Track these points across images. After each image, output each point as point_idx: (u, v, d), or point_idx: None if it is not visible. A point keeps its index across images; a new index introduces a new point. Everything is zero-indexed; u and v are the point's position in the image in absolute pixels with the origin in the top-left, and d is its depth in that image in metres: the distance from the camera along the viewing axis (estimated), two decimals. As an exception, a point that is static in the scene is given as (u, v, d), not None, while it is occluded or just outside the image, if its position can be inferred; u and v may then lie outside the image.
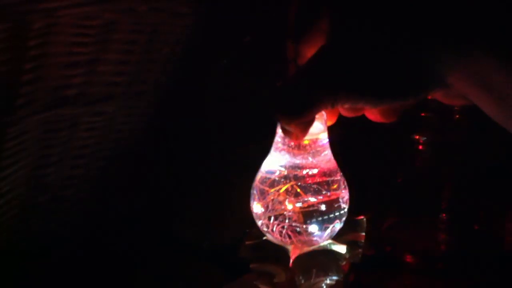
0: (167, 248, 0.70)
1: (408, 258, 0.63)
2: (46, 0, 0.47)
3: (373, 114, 0.38)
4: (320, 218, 0.39)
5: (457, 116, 0.59)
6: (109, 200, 0.72)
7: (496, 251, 0.62)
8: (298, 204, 0.39)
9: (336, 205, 0.40)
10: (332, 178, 0.40)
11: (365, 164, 0.67)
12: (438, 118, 0.61)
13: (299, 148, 0.39)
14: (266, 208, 0.39)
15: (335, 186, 0.40)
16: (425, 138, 0.62)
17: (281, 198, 0.39)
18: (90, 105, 0.59)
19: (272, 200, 0.39)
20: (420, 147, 0.63)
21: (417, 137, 0.62)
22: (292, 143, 0.40)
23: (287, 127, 0.37)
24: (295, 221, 0.39)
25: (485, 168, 0.64)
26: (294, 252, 0.40)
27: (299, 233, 0.39)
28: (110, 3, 0.51)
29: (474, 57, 0.30)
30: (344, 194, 0.41)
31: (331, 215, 0.39)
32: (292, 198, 0.39)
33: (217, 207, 0.72)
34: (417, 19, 0.32)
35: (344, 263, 0.41)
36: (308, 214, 0.39)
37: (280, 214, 0.39)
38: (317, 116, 0.37)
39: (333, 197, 0.40)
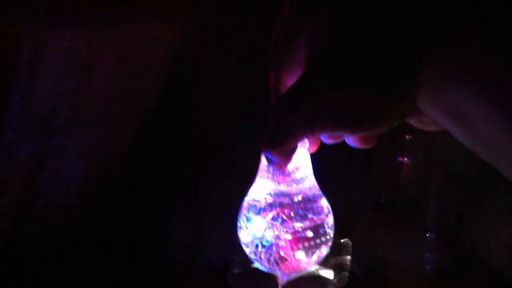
0: (157, 273, 0.70)
1: (396, 277, 0.64)
2: (33, 33, 0.47)
3: (352, 141, 0.39)
4: (306, 244, 0.39)
5: (441, 136, 0.60)
6: (99, 228, 0.72)
7: (483, 269, 0.63)
8: (285, 231, 0.39)
9: (321, 231, 0.40)
10: (316, 204, 0.41)
11: (350, 185, 0.67)
12: (423, 139, 0.62)
13: (283, 175, 0.40)
14: (253, 236, 0.40)
15: (320, 212, 0.41)
16: (409, 159, 0.63)
17: (267, 225, 0.39)
18: (78, 135, 0.59)
19: (259, 227, 0.40)
20: (405, 167, 0.64)
21: (401, 159, 0.63)
22: (276, 171, 0.40)
23: (269, 156, 0.37)
24: (282, 248, 0.39)
25: (470, 185, 0.65)
26: (282, 279, 0.40)
27: (287, 260, 0.39)
28: (96, 35, 0.51)
29: (444, 87, 0.31)
30: (329, 219, 0.41)
31: (317, 241, 0.40)
32: (278, 225, 0.39)
33: (208, 231, 0.72)
34: (385, 53, 0.33)
35: (331, 287, 0.41)
36: (295, 241, 0.39)
37: (267, 242, 0.39)
38: (299, 143, 0.38)
39: (318, 222, 0.40)
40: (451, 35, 0.31)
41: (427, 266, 0.63)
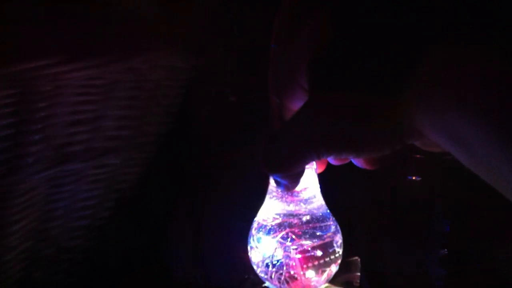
0: (157, 273, 0.71)
1: (401, 285, 0.64)
2: (52, 65, 0.49)
3: (358, 162, 0.40)
4: (316, 263, 0.40)
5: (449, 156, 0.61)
6: (111, 248, 0.74)
7: (483, 270, 0.63)
8: (294, 250, 0.40)
9: (331, 250, 0.41)
10: (325, 223, 0.42)
11: (357, 202, 0.68)
12: (431, 158, 0.63)
13: (292, 196, 0.41)
14: (264, 255, 0.41)
15: (328, 231, 0.42)
16: (419, 178, 0.64)
17: (277, 245, 0.40)
18: (94, 159, 0.61)
19: (269, 247, 0.41)
20: (411, 184, 0.64)
21: (408, 176, 0.64)
22: (285, 192, 0.41)
23: (278, 179, 0.39)
24: (292, 267, 0.40)
25: (477, 202, 0.66)
26: None
27: (297, 279, 0.40)
28: (112, 64, 0.53)
29: (444, 113, 0.31)
30: (338, 238, 0.42)
31: (327, 259, 0.41)
32: (288, 245, 0.40)
33: (216, 250, 0.73)
34: (385, 77, 0.34)
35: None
36: (305, 260, 0.40)
37: (278, 261, 0.40)
38: (307, 166, 0.39)
39: (327, 241, 0.41)
40: (450, 36, 0.33)
41: (427, 268, 0.63)
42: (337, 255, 0.42)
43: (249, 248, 0.42)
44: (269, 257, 0.41)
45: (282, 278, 0.40)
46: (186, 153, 0.76)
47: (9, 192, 0.55)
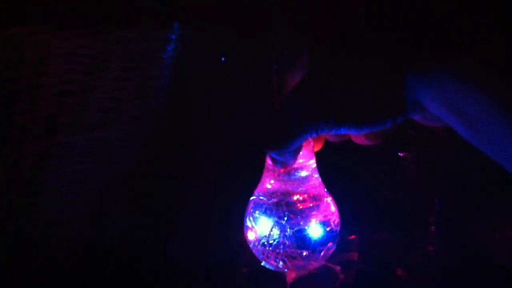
0: (161, 269, 0.70)
1: (399, 272, 0.64)
2: (39, 32, 0.48)
3: (358, 138, 0.39)
4: (313, 242, 0.40)
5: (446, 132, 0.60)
6: (104, 223, 0.73)
7: (486, 264, 0.63)
8: (291, 230, 0.39)
9: (328, 228, 0.41)
10: (322, 202, 0.41)
11: (354, 181, 0.68)
12: (427, 135, 0.62)
13: (289, 174, 0.40)
14: (260, 235, 0.40)
15: (326, 210, 0.41)
16: (413, 155, 0.63)
17: (274, 224, 0.40)
18: (84, 132, 0.60)
19: (265, 227, 0.40)
20: (409, 163, 0.64)
21: (403, 154, 0.63)
22: (282, 171, 0.40)
23: (275, 157, 0.38)
24: (289, 246, 0.39)
25: (473, 181, 0.65)
26: (290, 277, 0.41)
27: (294, 258, 0.40)
28: (102, 34, 0.52)
29: (443, 83, 0.32)
30: (335, 217, 0.42)
31: (324, 238, 0.40)
32: (285, 224, 0.39)
33: (211, 226, 0.72)
34: (389, 50, 0.33)
35: (339, 283, 0.42)
36: (302, 239, 0.39)
37: (274, 240, 0.40)
38: (304, 143, 0.38)
39: (325, 220, 0.41)
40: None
41: (431, 263, 0.63)
42: (334, 234, 0.41)
43: (245, 227, 0.42)
44: (265, 236, 0.40)
45: (279, 257, 0.40)
46: (180, 128, 0.75)
47: (-5, 164, 0.54)
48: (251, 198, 0.42)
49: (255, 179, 0.43)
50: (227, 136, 0.73)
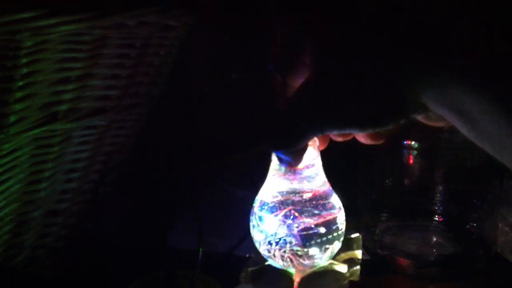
0: (161, 259, 0.70)
1: (402, 262, 0.64)
2: (35, 19, 0.47)
3: (362, 138, 0.40)
4: (319, 240, 0.40)
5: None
6: (102, 212, 0.73)
7: (489, 254, 0.63)
8: (297, 228, 0.39)
9: (334, 227, 0.41)
10: (328, 201, 0.41)
11: (357, 169, 0.67)
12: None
13: (294, 173, 0.41)
14: (266, 234, 0.40)
15: (331, 208, 0.41)
16: (417, 143, 0.63)
17: (280, 223, 0.40)
18: (82, 120, 0.59)
19: (271, 225, 0.40)
20: (412, 152, 0.63)
21: (409, 142, 0.63)
22: (288, 170, 0.40)
23: (281, 156, 0.38)
24: (295, 245, 0.39)
25: (475, 171, 0.65)
26: (297, 275, 0.41)
27: (300, 256, 0.40)
28: (100, 19, 0.51)
29: (445, 84, 0.32)
30: (340, 215, 0.42)
31: (330, 236, 0.41)
32: (291, 223, 0.39)
33: (212, 216, 0.72)
34: (391, 51, 0.33)
35: (346, 282, 0.42)
36: (308, 237, 0.40)
37: (280, 239, 0.40)
38: (309, 142, 0.38)
39: (330, 218, 0.41)
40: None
41: (433, 252, 0.63)
42: (340, 232, 0.42)
43: (251, 226, 0.42)
44: (271, 235, 0.40)
45: (286, 256, 0.40)
46: (178, 116, 0.75)
47: (-8, 152, 0.53)
48: (257, 197, 0.42)
49: (261, 174, 0.43)
50: (230, 127, 0.73)
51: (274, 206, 0.40)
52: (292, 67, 0.40)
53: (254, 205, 0.42)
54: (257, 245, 0.41)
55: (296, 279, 0.41)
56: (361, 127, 0.35)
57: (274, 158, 0.41)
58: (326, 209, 0.40)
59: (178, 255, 0.70)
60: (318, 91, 0.35)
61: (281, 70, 0.41)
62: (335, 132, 0.37)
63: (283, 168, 0.40)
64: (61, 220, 0.67)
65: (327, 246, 0.40)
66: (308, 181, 0.41)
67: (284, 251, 0.40)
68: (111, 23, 0.53)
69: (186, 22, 0.61)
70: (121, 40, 0.56)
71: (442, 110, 0.33)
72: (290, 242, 0.39)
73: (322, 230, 0.40)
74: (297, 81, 0.39)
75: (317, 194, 0.41)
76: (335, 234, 0.40)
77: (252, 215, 0.41)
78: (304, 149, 0.38)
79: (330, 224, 0.40)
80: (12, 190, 0.59)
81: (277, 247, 0.40)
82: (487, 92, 0.30)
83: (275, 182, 0.41)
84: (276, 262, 0.41)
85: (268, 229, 0.40)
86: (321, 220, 0.40)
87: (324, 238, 0.40)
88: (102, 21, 0.51)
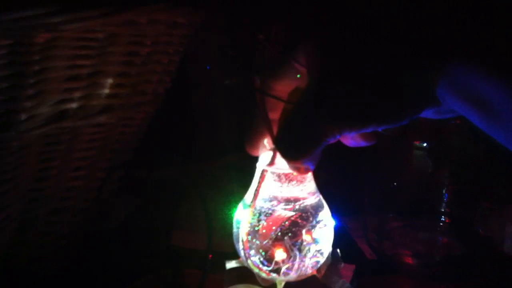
0: (165, 257, 0.70)
1: (409, 262, 0.64)
2: (48, 15, 0.46)
3: (353, 139, 0.39)
4: (305, 251, 0.39)
5: (458, 121, 0.60)
6: (107, 210, 0.72)
7: (495, 254, 0.63)
8: (284, 239, 0.39)
9: (321, 238, 0.40)
10: (317, 212, 0.41)
11: (364, 169, 0.67)
12: (437, 123, 0.62)
13: (281, 180, 0.40)
14: (251, 246, 0.39)
15: (319, 220, 0.41)
16: (425, 143, 0.63)
17: (266, 233, 0.39)
18: (90, 117, 0.59)
19: (258, 235, 0.39)
20: (420, 152, 0.64)
21: (417, 142, 0.63)
22: (277, 180, 0.40)
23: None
24: (281, 254, 0.39)
25: (484, 171, 0.65)
26: (281, 284, 0.41)
27: (288, 268, 0.39)
28: (112, 16, 0.50)
29: (461, 73, 0.31)
30: (328, 228, 0.41)
31: (317, 248, 0.40)
32: (278, 233, 0.39)
33: (216, 215, 0.72)
34: (402, 43, 0.33)
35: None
36: (294, 248, 0.39)
37: (266, 249, 0.39)
38: None
39: (318, 230, 0.40)
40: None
41: (440, 252, 0.63)
42: (327, 244, 0.41)
43: (234, 235, 0.41)
44: (257, 244, 0.39)
45: (271, 266, 0.39)
46: (185, 114, 0.75)
47: (1, 149, 0.53)
48: (242, 202, 0.41)
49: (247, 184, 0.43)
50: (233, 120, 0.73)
51: (261, 216, 0.39)
52: (279, 70, 0.39)
53: (236, 213, 0.41)
54: (241, 254, 0.40)
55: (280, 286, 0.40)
56: (379, 124, 0.35)
57: (259, 163, 0.40)
58: (315, 221, 0.40)
59: (183, 254, 0.70)
60: (332, 94, 0.35)
61: (262, 72, 0.40)
62: (352, 133, 0.36)
63: (273, 177, 0.40)
64: (65, 218, 0.67)
65: (313, 257, 0.40)
66: (298, 192, 0.40)
67: (269, 261, 0.39)
68: (122, 20, 0.53)
69: (194, 20, 0.61)
70: (131, 38, 0.56)
71: (456, 99, 0.32)
72: (276, 253, 0.39)
73: (309, 241, 0.39)
74: (282, 84, 0.39)
75: (306, 205, 0.40)
76: (322, 246, 0.40)
77: (236, 221, 0.41)
78: (320, 154, 0.38)
79: (317, 236, 0.40)
80: (19, 188, 0.58)
81: (262, 257, 0.39)
82: (507, 76, 0.30)
83: (264, 192, 0.40)
84: (261, 271, 0.40)
85: (254, 239, 0.39)
86: (309, 231, 0.39)
87: (311, 250, 0.39)
88: (114, 18, 0.51)
